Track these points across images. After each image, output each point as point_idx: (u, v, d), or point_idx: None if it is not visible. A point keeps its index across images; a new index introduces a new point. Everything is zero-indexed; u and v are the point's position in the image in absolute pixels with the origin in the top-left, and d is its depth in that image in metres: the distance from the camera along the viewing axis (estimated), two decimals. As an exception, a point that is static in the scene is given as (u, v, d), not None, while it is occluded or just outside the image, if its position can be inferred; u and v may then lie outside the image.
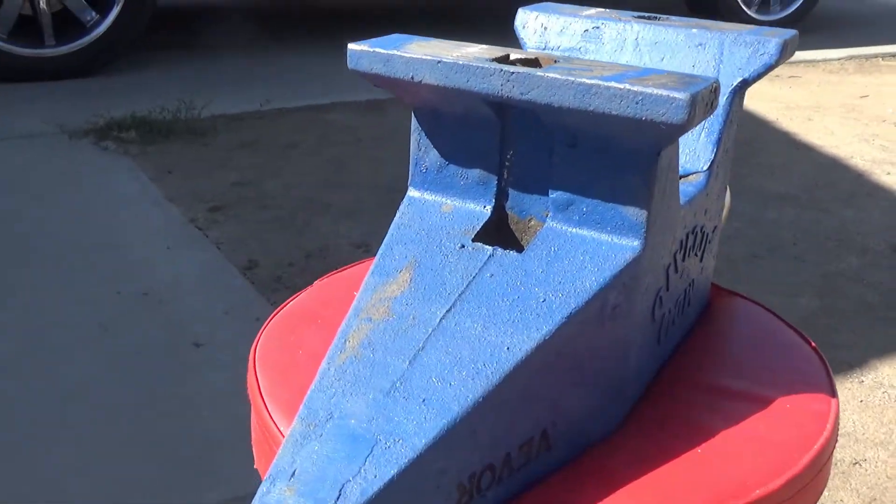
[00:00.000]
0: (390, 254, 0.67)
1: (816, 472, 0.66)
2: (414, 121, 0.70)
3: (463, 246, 0.66)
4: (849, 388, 1.82)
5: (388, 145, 3.09)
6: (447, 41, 0.68)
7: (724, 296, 0.89)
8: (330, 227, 2.48)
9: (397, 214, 0.70)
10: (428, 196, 0.71)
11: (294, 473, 0.52)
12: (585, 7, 0.90)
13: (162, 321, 2.01)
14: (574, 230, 0.65)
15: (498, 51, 0.66)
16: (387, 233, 0.69)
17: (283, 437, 0.66)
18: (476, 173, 0.69)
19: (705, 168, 0.78)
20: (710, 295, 0.88)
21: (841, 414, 1.75)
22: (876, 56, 4.80)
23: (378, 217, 2.52)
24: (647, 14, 0.86)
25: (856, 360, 1.91)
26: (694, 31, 0.81)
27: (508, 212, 0.69)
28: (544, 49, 0.85)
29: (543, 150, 0.66)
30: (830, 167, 3.08)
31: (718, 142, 0.78)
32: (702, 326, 0.83)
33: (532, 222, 0.69)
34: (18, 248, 2.30)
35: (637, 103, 0.57)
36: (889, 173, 3.02)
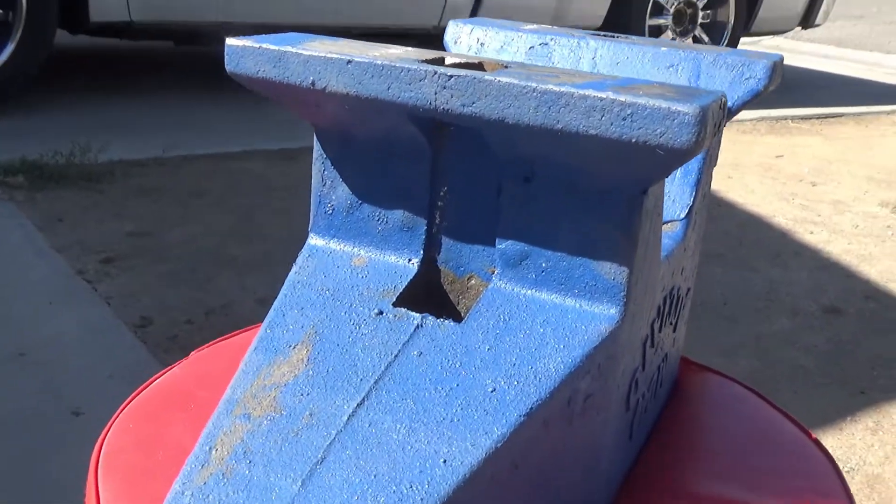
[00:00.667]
0: (282, 322, 0.49)
1: None
2: (316, 145, 0.53)
3: (381, 312, 0.49)
4: (794, 461, 1.69)
5: (301, 195, 2.90)
6: (363, 42, 0.51)
7: (695, 372, 0.73)
8: (234, 282, 2.28)
9: (293, 268, 0.53)
10: (335, 245, 0.53)
11: None
12: (524, 23, 0.75)
13: (38, 385, 1.77)
14: (530, 292, 0.49)
15: (429, 53, 0.49)
16: (278, 296, 0.51)
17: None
18: (398, 215, 0.52)
19: (683, 216, 0.63)
20: (680, 371, 0.73)
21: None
22: (786, 118, 4.89)
23: (286, 270, 2.33)
24: (601, 32, 0.72)
25: (799, 429, 1.79)
26: (663, 49, 0.66)
27: (441, 267, 0.52)
28: (482, 69, 0.69)
29: (489, 186, 0.49)
30: (754, 225, 3.02)
31: (697, 184, 0.63)
32: (673, 410, 0.67)
33: (473, 281, 0.52)
34: None
35: (625, 119, 0.41)
36: (812, 232, 2.98)
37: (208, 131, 3.53)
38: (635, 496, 0.56)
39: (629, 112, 0.41)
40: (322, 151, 0.52)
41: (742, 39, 5.29)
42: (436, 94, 0.44)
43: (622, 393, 0.52)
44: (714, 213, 3.14)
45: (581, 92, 0.42)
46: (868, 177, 3.75)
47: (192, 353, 0.69)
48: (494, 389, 0.44)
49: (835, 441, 1.79)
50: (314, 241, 0.53)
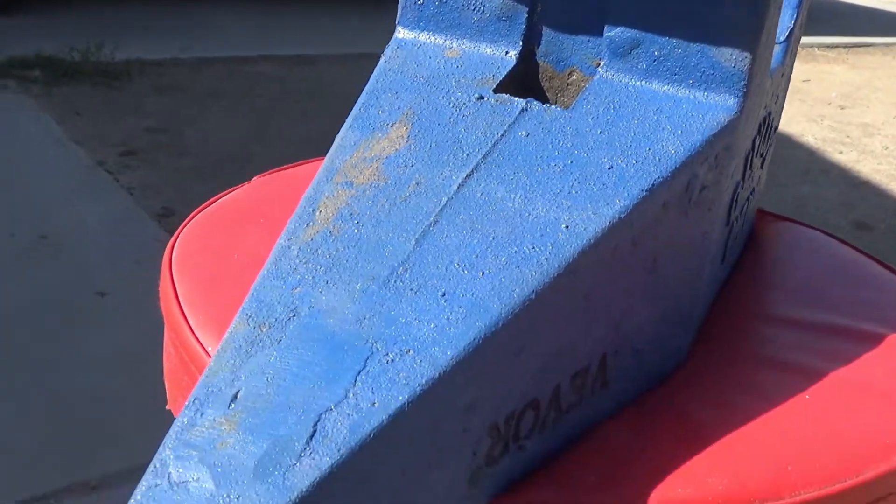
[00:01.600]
0: (376, 104, 0.46)
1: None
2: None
3: (481, 97, 0.46)
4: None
5: (318, 99, 2.86)
6: None
7: (772, 220, 0.71)
8: (256, 178, 2.25)
9: (381, 60, 0.50)
10: (425, 37, 0.50)
11: (236, 396, 0.31)
12: None
13: (63, 268, 1.76)
14: (640, 83, 0.46)
15: None
16: (366, 85, 0.48)
17: (209, 357, 0.44)
18: (496, 3, 0.48)
19: (782, 39, 0.59)
20: (757, 220, 0.70)
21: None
22: (812, 46, 4.81)
23: (310, 170, 2.30)
24: None
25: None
26: None
27: (540, 61, 0.49)
28: None
29: (600, -32, 0.46)
30: (782, 143, 2.98)
31: (799, 6, 0.60)
32: (754, 252, 0.64)
33: (574, 76, 0.49)
34: None
35: None
36: (841, 152, 2.93)
37: (224, 35, 3.47)
38: (725, 317, 0.54)
39: None
40: (415, -68, 0.48)
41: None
42: None
43: (727, 199, 0.49)
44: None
45: None
46: (896, 103, 3.69)
47: (255, 178, 0.67)
48: (612, 167, 0.41)
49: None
50: (402, 34, 0.50)
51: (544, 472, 0.39)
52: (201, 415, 0.31)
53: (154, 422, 1.46)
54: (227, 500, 0.28)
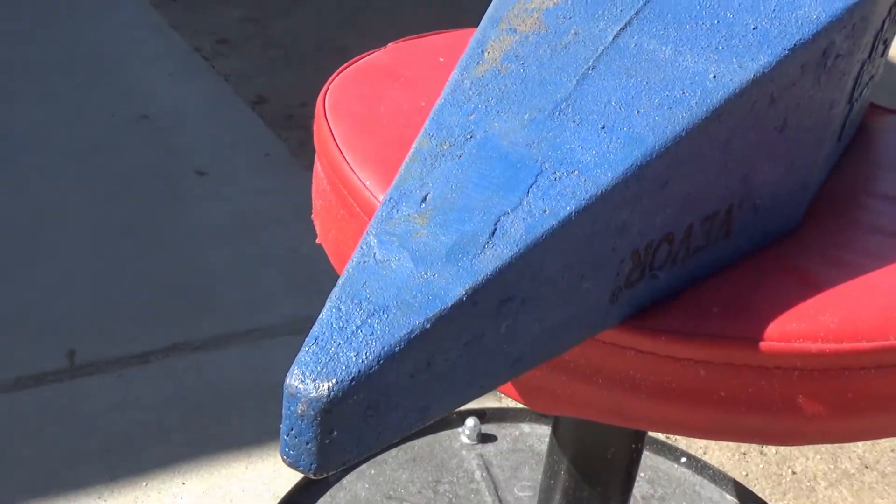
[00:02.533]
0: (532, -36, 0.49)
1: None
2: None
3: (631, -39, 0.49)
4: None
5: (405, -4, 2.87)
6: None
7: (882, 114, 0.73)
8: (346, 71, 2.28)
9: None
10: None
11: (426, 199, 0.36)
12: None
13: (162, 146, 1.83)
14: None
15: None
16: None
17: (367, 190, 0.49)
18: None
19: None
20: (868, 114, 0.72)
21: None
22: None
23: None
24: None
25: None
26: None
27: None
28: None
29: None
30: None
31: None
32: (863, 142, 0.67)
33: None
34: (5, 59, 2.10)
35: None
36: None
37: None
38: (839, 189, 0.57)
39: None
40: None
41: None
42: None
43: (856, 72, 0.52)
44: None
45: None
46: None
47: (389, 44, 0.71)
48: (757, 28, 0.44)
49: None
50: None
51: (673, 301, 0.44)
52: (397, 211, 0.36)
53: (253, 292, 1.55)
54: (424, 277, 0.33)
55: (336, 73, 0.64)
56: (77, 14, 2.39)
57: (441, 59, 0.68)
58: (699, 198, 0.43)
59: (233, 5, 2.63)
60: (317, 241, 0.57)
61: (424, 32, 0.74)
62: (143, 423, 1.12)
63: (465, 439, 1.00)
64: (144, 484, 1.04)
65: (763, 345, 0.42)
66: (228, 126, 1.96)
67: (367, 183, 0.50)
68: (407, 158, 0.39)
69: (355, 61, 0.66)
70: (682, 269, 0.44)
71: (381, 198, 0.49)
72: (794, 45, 0.44)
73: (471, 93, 0.41)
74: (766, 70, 0.42)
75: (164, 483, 1.03)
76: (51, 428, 1.10)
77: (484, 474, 0.95)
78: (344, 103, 0.58)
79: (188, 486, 1.03)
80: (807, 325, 0.43)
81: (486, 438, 1.00)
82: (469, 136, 0.39)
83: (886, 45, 0.65)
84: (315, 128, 0.58)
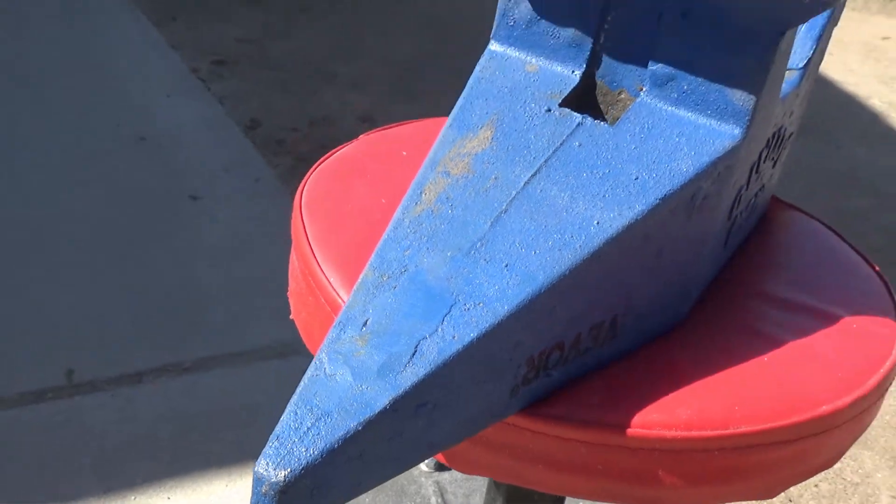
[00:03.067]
0: (470, 108, 0.61)
1: (880, 396, 0.63)
2: (509, -33, 0.63)
3: (549, 110, 0.61)
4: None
5: (401, 18, 2.98)
6: None
7: (783, 209, 0.85)
8: (336, 97, 2.40)
9: (477, 68, 0.65)
10: (512, 52, 0.65)
11: (366, 323, 0.48)
12: None
13: (159, 168, 1.95)
14: (671, 108, 0.60)
15: None
16: (465, 88, 0.63)
17: (331, 286, 0.62)
18: (569, 33, 0.63)
19: (801, 65, 0.73)
20: (770, 207, 0.84)
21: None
22: (901, -2, 4.68)
23: (385, 92, 2.44)
24: None
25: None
26: None
27: (598, 80, 0.64)
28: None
29: (650, 17, 0.60)
30: (847, 104, 3.02)
31: (819, 39, 0.73)
32: (761, 236, 0.79)
33: (622, 95, 0.64)
34: (5, 76, 2.20)
35: (782, -29, 0.51)
36: (903, 119, 2.97)
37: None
38: (722, 290, 0.69)
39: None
40: (512, -27, 0.63)
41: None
42: (626, -67, 0.55)
43: (728, 202, 0.64)
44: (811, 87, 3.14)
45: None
46: (973, 71, 3.65)
47: (361, 136, 0.83)
48: (637, 178, 0.56)
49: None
50: (495, 47, 0.65)
51: (562, 392, 0.56)
52: (344, 333, 0.48)
53: (242, 314, 1.66)
54: (360, 389, 0.45)
55: (314, 166, 0.76)
56: (79, 32, 2.49)
57: (404, 153, 0.80)
58: (586, 314, 0.55)
59: (232, 24, 2.74)
60: (290, 317, 0.69)
61: (393, 124, 0.86)
62: (135, 440, 1.24)
63: (424, 467, 1.12)
64: (133, 498, 1.15)
65: (630, 431, 0.54)
66: (221, 150, 2.07)
67: (332, 279, 0.62)
68: (355, 287, 0.51)
69: (331, 154, 0.78)
70: (572, 366, 0.57)
71: (342, 294, 0.61)
72: (666, 194, 0.56)
73: (408, 230, 0.53)
74: (639, 217, 0.55)
75: (151, 498, 1.15)
76: (50, 442, 1.22)
77: (439, 500, 1.07)
78: (317, 199, 0.70)
79: (173, 500, 1.15)
80: (666, 416, 0.55)
81: (442, 466, 1.13)
82: (403, 270, 0.51)
83: (777, 160, 0.78)
84: (292, 222, 0.70)
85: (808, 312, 0.68)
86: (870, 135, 2.78)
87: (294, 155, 2.11)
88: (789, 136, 0.79)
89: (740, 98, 0.58)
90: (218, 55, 2.53)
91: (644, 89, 0.62)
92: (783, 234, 0.81)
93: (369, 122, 2.30)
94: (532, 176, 0.57)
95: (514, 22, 0.64)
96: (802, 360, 0.62)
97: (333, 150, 0.79)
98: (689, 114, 0.60)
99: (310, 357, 0.63)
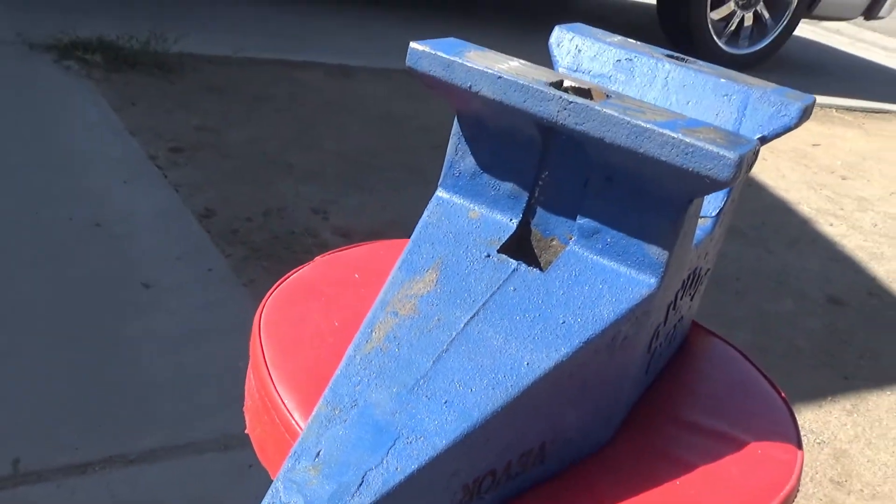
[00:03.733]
0: (418, 251, 0.68)
1: (778, 518, 0.70)
2: (456, 125, 0.71)
3: (489, 256, 0.69)
4: (770, 427, 1.90)
5: (356, 113, 3.09)
6: (496, 52, 0.70)
7: (702, 334, 0.93)
8: (291, 188, 2.47)
9: (425, 213, 0.72)
10: (457, 200, 0.73)
11: (319, 454, 0.54)
12: (613, 34, 0.92)
13: (113, 256, 1.98)
14: (596, 258, 0.68)
15: (548, 73, 0.68)
16: (414, 231, 0.71)
17: (286, 407, 0.67)
18: (508, 187, 0.71)
19: (714, 214, 0.82)
20: (690, 332, 0.92)
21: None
22: (830, 107, 4.95)
23: (339, 185, 2.52)
24: (676, 54, 0.90)
25: (780, 400, 2.00)
26: (722, 80, 0.84)
27: (533, 228, 0.72)
28: (576, 71, 0.88)
29: (579, 178, 0.68)
30: (779, 209, 3.18)
31: (729, 192, 0.82)
32: (680, 362, 0.87)
33: (554, 242, 0.71)
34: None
35: (687, 154, 0.60)
36: (832, 224, 3.14)
37: (276, 36, 3.68)
38: (643, 415, 0.77)
39: (691, 150, 0.60)
40: (459, 129, 0.71)
41: (804, 21, 5.31)
42: (557, 112, 0.63)
43: (647, 339, 0.72)
44: (744, 191, 3.31)
45: (660, 130, 0.60)
46: (897, 178, 3.86)
47: (317, 258, 0.89)
48: (564, 322, 0.64)
49: (813, 416, 2.00)
50: (442, 194, 0.73)
51: (494, 515, 0.62)
52: (298, 463, 0.54)
53: (190, 405, 1.70)
54: (311, 516, 0.51)
55: (272, 290, 0.82)
56: (39, 114, 2.54)
57: (356, 276, 0.87)
58: (516, 442, 0.62)
59: (192, 112, 2.81)
60: (245, 431, 0.74)
61: (347, 246, 0.93)
62: (80, 533, 1.26)
63: None
64: (78, 590, 1.17)
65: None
66: (175, 238, 2.12)
67: (286, 401, 0.68)
68: (310, 419, 0.57)
69: (289, 276, 0.85)
70: (504, 489, 0.63)
71: (295, 415, 0.67)
72: (589, 337, 0.63)
73: (359, 367, 0.60)
74: (565, 358, 0.62)
75: (96, 590, 1.17)
76: (-4, 532, 1.23)
77: None
78: (274, 322, 0.76)
79: None
80: (583, 538, 0.62)
81: None
82: (353, 405, 0.57)
83: (694, 295, 0.86)
84: (251, 344, 0.75)
85: (718, 437, 0.75)
86: (800, 240, 2.93)
87: (247, 245, 2.16)
88: (706, 273, 0.88)
89: (655, 252, 0.67)
90: (176, 142, 2.59)
91: (573, 238, 0.69)
92: (700, 360, 0.89)
93: (321, 213, 2.38)
94: (471, 318, 0.64)
95: (460, 173, 0.72)
96: (711, 484, 0.70)
97: (291, 272, 0.86)
98: (612, 263, 0.68)
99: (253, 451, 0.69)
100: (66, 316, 1.73)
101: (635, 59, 0.86)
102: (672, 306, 0.76)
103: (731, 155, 0.59)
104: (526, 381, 0.60)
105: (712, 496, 0.69)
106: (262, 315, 0.78)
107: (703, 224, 0.81)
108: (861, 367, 2.24)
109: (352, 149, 2.80)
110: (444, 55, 0.66)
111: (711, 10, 4.80)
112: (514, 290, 0.66)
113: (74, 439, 1.44)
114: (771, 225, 3.00)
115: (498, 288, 0.66)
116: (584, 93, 0.67)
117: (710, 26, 4.83)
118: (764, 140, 0.83)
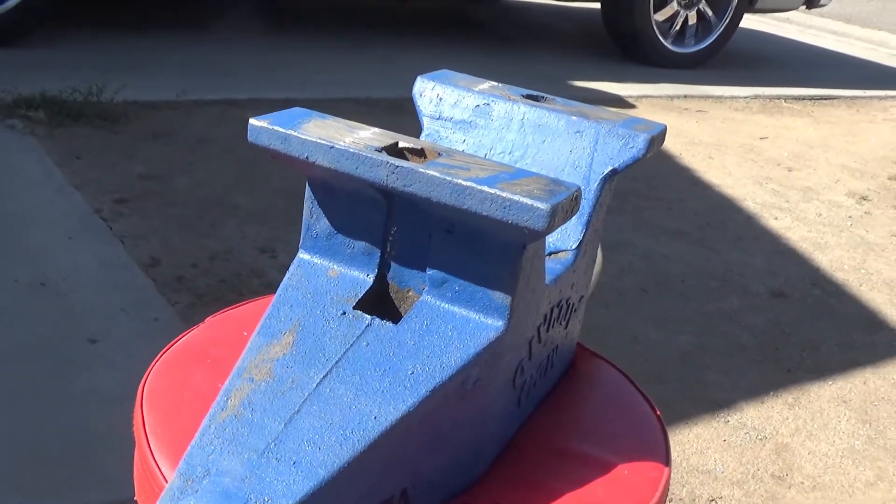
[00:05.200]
0: (276, 315, 0.72)
1: (644, 536, 0.74)
2: (308, 190, 0.75)
3: (344, 313, 0.72)
4: (714, 427, 1.95)
5: (302, 149, 3.11)
6: (345, 121, 0.74)
7: (587, 357, 0.97)
8: (236, 230, 2.50)
9: (286, 275, 0.76)
10: (317, 260, 0.76)
11: (169, 527, 0.58)
12: (481, 80, 0.97)
13: (58, 313, 2.00)
14: (446, 306, 0.72)
15: (390, 137, 0.72)
16: (278, 292, 0.74)
17: (164, 477, 0.71)
18: (362, 245, 0.75)
19: (574, 247, 0.86)
20: (576, 355, 0.96)
21: (703, 452, 1.87)
22: (780, 97, 5.01)
23: (286, 222, 2.55)
24: (535, 93, 0.94)
25: (723, 399, 2.04)
26: (574, 118, 0.88)
27: (390, 281, 0.76)
28: (438, 119, 0.92)
29: (424, 232, 0.72)
30: (724, 207, 3.24)
31: (588, 224, 0.86)
32: (562, 388, 0.91)
33: (410, 293, 0.75)
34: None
35: (504, 208, 0.64)
36: (777, 218, 3.19)
37: (220, 75, 3.70)
38: (519, 446, 0.80)
39: (507, 204, 0.64)
40: (311, 194, 0.75)
41: (747, 15, 5.38)
42: (387, 176, 0.67)
43: (508, 377, 0.76)
44: (690, 192, 3.36)
45: (479, 187, 0.65)
46: (843, 165, 3.92)
47: (207, 318, 0.93)
48: (413, 372, 0.68)
49: (755, 412, 2.04)
50: (303, 255, 0.77)
51: (358, 562, 0.66)
52: (148, 536, 0.57)
53: (131, 461, 1.71)
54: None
55: (158, 356, 0.86)
56: (-17, 179, 2.55)
57: (245, 333, 0.90)
58: (373, 492, 0.66)
59: (136, 161, 2.84)
60: (134, 497, 0.78)
61: (238, 304, 0.97)
62: None
63: None
64: None
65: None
66: (121, 290, 2.14)
67: (163, 470, 0.72)
68: (162, 494, 0.60)
69: (177, 341, 0.88)
70: (368, 536, 0.66)
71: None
72: (436, 385, 0.67)
73: (213, 436, 0.63)
74: (412, 408, 0.66)
75: None
76: None
77: None
78: (157, 391, 0.80)
79: None
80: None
81: None
82: (205, 474, 0.61)
83: (567, 323, 0.90)
84: (134, 413, 0.79)
85: (587, 462, 0.79)
86: (744, 237, 2.98)
87: (192, 292, 2.19)
88: (580, 300, 0.92)
89: (499, 297, 0.71)
90: (121, 193, 2.62)
91: (425, 289, 0.73)
92: (583, 384, 0.93)
93: (270, 253, 2.41)
94: (324, 377, 0.67)
95: (317, 234, 0.76)
96: (576, 511, 0.74)
97: (180, 336, 0.89)
98: (461, 310, 0.72)
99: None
100: (9, 375, 1.75)
101: (492, 104, 0.91)
102: (536, 339, 0.80)
103: (544, 206, 0.64)
104: (373, 435, 0.64)
105: (578, 521, 0.72)
106: (146, 382, 0.81)
107: (565, 257, 0.85)
108: (804, 360, 2.28)
109: (299, 185, 2.81)
110: (280, 129, 0.70)
111: (655, 11, 4.87)
112: (367, 344, 0.70)
113: (15, 498, 1.46)
114: (715, 224, 3.05)
115: (352, 344, 0.70)
116: (419, 153, 0.71)
117: (655, 28, 4.90)
118: (615, 172, 0.87)
